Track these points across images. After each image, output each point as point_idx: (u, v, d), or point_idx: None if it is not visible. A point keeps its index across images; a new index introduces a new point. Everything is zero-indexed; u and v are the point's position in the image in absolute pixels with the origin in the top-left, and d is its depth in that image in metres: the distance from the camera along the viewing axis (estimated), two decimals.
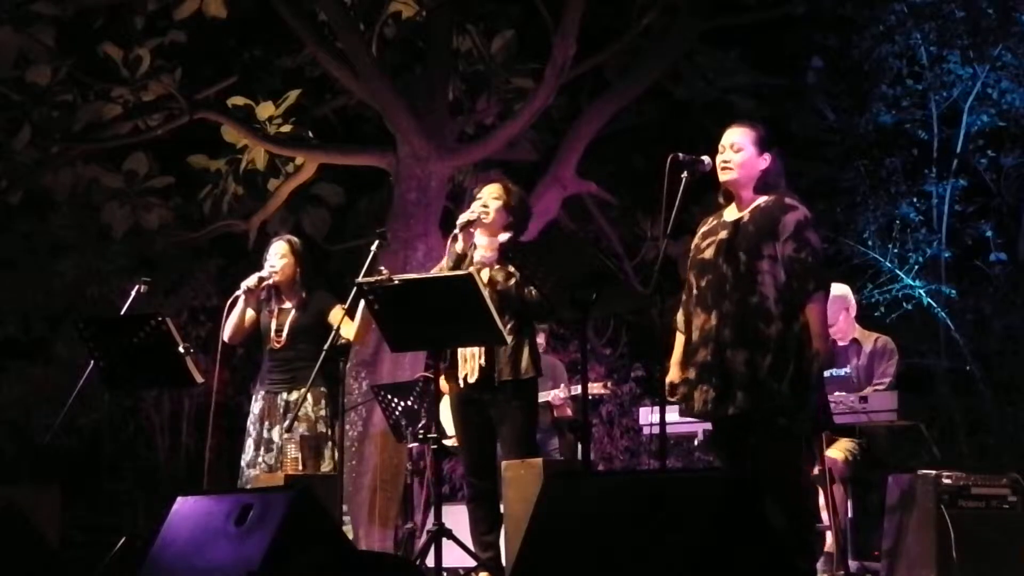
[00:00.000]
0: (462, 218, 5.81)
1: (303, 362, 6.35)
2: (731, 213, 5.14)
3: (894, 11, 11.54)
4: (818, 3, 11.01)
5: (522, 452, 5.68)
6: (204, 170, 10.39)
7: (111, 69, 9.73)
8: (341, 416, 6.17)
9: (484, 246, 5.83)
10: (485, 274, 5.71)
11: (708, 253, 5.05)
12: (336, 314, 6.28)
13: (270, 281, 6.53)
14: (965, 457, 10.53)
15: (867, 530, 6.68)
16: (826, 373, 6.58)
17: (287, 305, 6.57)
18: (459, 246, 5.80)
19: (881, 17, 11.61)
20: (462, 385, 5.77)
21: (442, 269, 5.78)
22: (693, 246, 5.18)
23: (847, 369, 6.79)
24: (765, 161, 5.07)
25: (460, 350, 5.74)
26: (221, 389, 6.90)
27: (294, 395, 6.42)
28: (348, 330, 6.16)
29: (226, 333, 6.54)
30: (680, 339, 5.20)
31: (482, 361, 5.71)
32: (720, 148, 5.09)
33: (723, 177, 5.08)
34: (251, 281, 6.48)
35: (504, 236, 5.83)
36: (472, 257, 5.82)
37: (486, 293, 5.35)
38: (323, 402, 6.47)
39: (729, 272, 4.95)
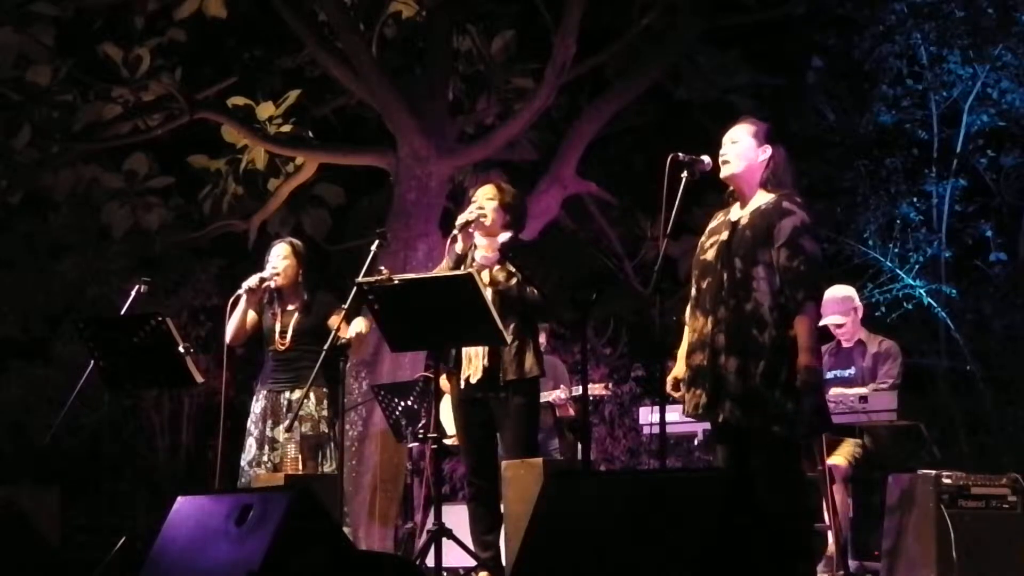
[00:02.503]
0: (460, 219, 5.82)
1: (307, 362, 6.34)
2: (735, 212, 5.07)
3: (894, 11, 11.54)
4: (818, 3, 11.00)
5: (522, 452, 5.69)
6: (204, 170, 10.38)
7: (111, 69, 9.73)
8: (341, 416, 6.17)
9: (484, 247, 5.83)
10: (486, 275, 5.71)
11: (709, 255, 4.98)
12: (335, 316, 6.28)
13: (271, 282, 6.52)
14: (965, 457, 10.52)
15: (867, 530, 6.67)
16: (831, 374, 6.63)
17: (290, 307, 6.56)
18: (459, 247, 5.80)
19: (881, 17, 11.60)
20: (463, 385, 5.78)
21: (442, 270, 5.78)
22: (699, 244, 5.12)
23: (852, 370, 6.78)
24: (765, 152, 4.96)
25: (464, 350, 5.74)
26: (227, 389, 6.91)
27: (297, 394, 6.42)
28: (348, 330, 6.16)
29: (228, 334, 6.53)
30: (688, 334, 5.18)
31: (486, 361, 5.73)
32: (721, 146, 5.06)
33: (722, 172, 4.99)
34: (252, 281, 6.48)
35: (504, 236, 5.83)
36: (473, 258, 5.83)
37: (488, 293, 5.35)
38: (325, 402, 6.47)
39: (726, 277, 4.88)
